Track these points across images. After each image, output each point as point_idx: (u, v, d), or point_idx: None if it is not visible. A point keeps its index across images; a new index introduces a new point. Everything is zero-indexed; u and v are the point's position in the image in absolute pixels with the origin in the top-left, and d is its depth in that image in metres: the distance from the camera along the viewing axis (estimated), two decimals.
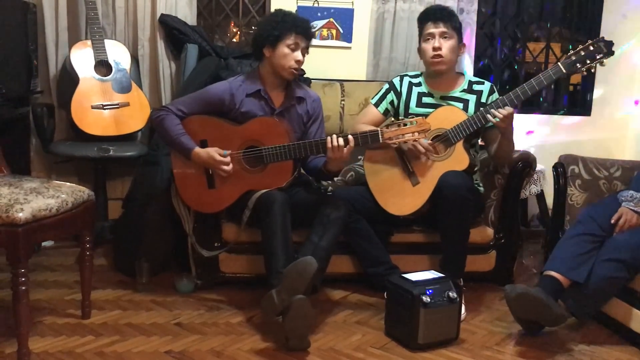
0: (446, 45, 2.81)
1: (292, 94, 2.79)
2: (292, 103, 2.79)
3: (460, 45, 2.88)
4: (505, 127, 2.69)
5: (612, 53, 2.64)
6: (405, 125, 2.47)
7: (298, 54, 2.67)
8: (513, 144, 2.85)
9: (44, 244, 3.36)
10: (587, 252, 2.53)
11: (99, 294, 2.78)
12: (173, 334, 2.46)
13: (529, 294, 2.44)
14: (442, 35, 2.81)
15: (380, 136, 2.49)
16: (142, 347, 2.34)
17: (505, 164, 2.99)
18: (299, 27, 2.67)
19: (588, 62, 2.65)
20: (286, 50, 2.65)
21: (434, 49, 2.81)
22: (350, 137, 2.53)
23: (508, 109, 2.65)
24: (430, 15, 2.86)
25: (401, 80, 2.97)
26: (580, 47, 2.67)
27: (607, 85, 4.16)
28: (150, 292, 2.85)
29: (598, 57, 2.64)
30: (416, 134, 2.45)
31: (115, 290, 2.87)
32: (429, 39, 2.83)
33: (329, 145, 2.53)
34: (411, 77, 2.99)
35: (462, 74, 2.97)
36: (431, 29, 2.83)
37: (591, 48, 2.64)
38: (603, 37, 2.67)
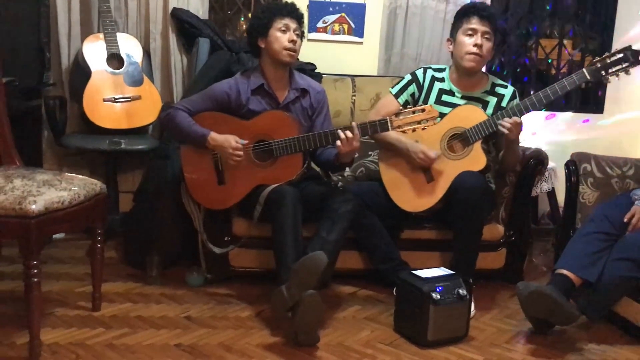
0: (486, 46, 2.76)
1: (294, 86, 2.80)
2: (296, 95, 2.79)
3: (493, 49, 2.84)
4: (513, 138, 2.67)
5: (638, 62, 2.58)
6: (414, 113, 2.46)
7: (291, 35, 2.68)
8: (518, 155, 2.85)
9: (55, 236, 3.37)
10: (600, 251, 2.51)
11: (109, 286, 2.79)
12: (183, 328, 2.47)
13: (542, 292, 2.42)
14: (484, 35, 2.75)
15: (389, 125, 2.48)
16: (151, 340, 2.35)
17: (508, 173, 2.97)
18: (284, 9, 2.71)
19: (613, 70, 2.60)
20: (278, 33, 2.68)
21: (476, 45, 2.74)
22: (354, 124, 2.54)
23: (515, 119, 2.62)
24: (478, 11, 2.78)
25: (424, 73, 2.92)
26: (607, 54, 2.62)
27: (619, 83, 4.12)
28: (161, 286, 2.86)
29: (624, 65, 2.59)
30: (424, 121, 2.44)
31: (126, 283, 2.88)
32: (470, 34, 2.76)
33: (338, 142, 2.53)
34: (435, 70, 2.93)
35: (486, 75, 2.92)
36: (476, 24, 2.75)
37: (618, 56, 2.60)
38: (630, 46, 2.61)
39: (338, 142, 2.53)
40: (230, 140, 2.63)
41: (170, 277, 2.95)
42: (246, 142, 2.64)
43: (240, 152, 2.62)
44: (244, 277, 2.92)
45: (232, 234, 2.84)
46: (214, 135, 2.65)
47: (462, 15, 2.82)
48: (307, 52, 3.08)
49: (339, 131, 2.53)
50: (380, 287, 2.92)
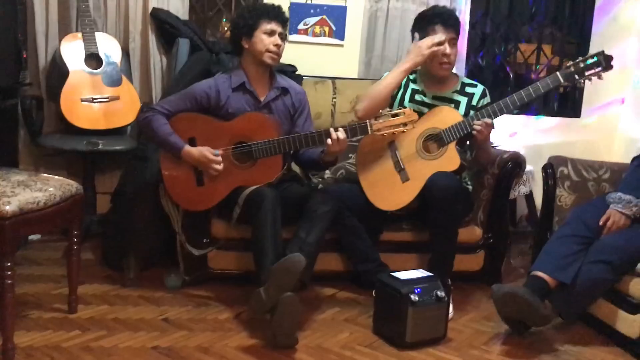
0: (453, 52, 2.79)
1: (275, 85, 2.81)
2: (276, 94, 2.80)
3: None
4: (482, 139, 2.70)
5: (610, 67, 2.61)
6: (393, 116, 2.47)
7: (276, 39, 2.69)
8: (490, 154, 2.91)
9: (31, 237, 3.33)
10: (575, 254, 2.54)
11: (86, 288, 2.76)
12: (160, 330, 2.45)
13: (515, 293, 2.45)
14: (451, 42, 2.77)
15: (369, 128, 2.50)
16: (128, 343, 2.33)
17: (484, 170, 3.02)
18: (271, 13, 2.71)
19: (586, 74, 2.62)
20: (263, 36, 2.68)
21: (445, 55, 2.76)
22: (341, 128, 2.55)
23: (486, 121, 2.65)
24: (442, 19, 2.77)
25: None
26: (580, 58, 2.65)
27: (596, 87, 4.18)
28: (138, 288, 2.83)
29: (596, 69, 2.61)
30: (404, 125, 2.46)
31: (103, 285, 2.85)
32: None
33: (329, 141, 2.53)
34: None
35: (456, 75, 2.96)
36: (442, 33, 2.75)
37: (591, 60, 2.62)
38: (603, 51, 2.63)
39: (329, 141, 2.54)
40: (206, 154, 2.62)
41: (148, 279, 2.92)
42: (220, 152, 2.64)
43: (219, 165, 2.62)
44: (223, 279, 2.90)
45: (211, 235, 2.83)
46: (188, 150, 2.65)
47: (426, 24, 2.80)
48: (288, 54, 3.08)
49: (331, 130, 2.54)
50: (359, 289, 2.93)
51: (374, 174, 2.86)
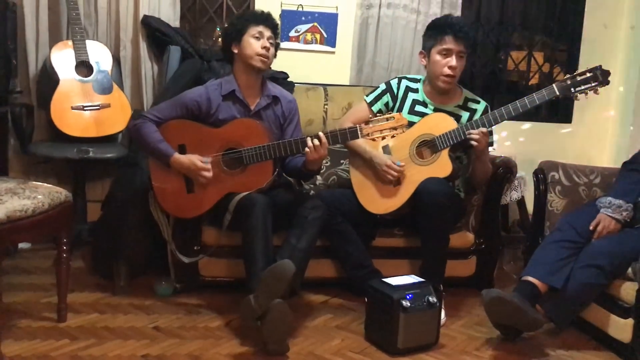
0: (460, 65, 2.76)
1: (266, 93, 2.81)
2: (267, 102, 2.79)
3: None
4: (481, 149, 2.70)
5: (607, 82, 2.62)
6: (384, 121, 2.48)
7: (264, 42, 2.70)
8: (488, 167, 2.87)
9: (21, 245, 3.31)
10: (565, 258, 2.54)
11: (76, 296, 2.74)
12: (150, 338, 2.43)
13: (503, 298, 2.45)
14: (459, 54, 2.75)
15: (359, 132, 2.50)
16: (118, 351, 2.31)
17: (480, 186, 2.99)
18: (258, 17, 2.74)
19: (582, 87, 2.63)
20: (251, 40, 2.70)
21: (451, 67, 2.74)
22: (321, 134, 2.55)
23: (482, 129, 2.65)
24: (453, 30, 2.72)
25: (399, 83, 2.94)
26: (577, 72, 2.65)
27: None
28: (129, 296, 2.81)
29: (593, 84, 2.62)
30: (394, 130, 2.46)
31: (93, 293, 2.83)
32: (445, 54, 2.74)
33: (307, 149, 2.53)
34: (409, 80, 2.94)
35: (460, 88, 2.94)
36: (451, 44, 2.72)
37: (587, 75, 2.63)
38: (600, 66, 2.64)
39: (307, 149, 2.53)
40: (195, 161, 2.61)
41: (139, 287, 2.90)
42: (210, 159, 2.63)
43: (208, 172, 2.61)
44: (214, 287, 2.89)
45: (202, 243, 2.82)
46: (177, 158, 2.64)
47: (437, 33, 2.76)
48: (280, 61, 3.08)
49: (308, 139, 2.54)
50: (351, 296, 2.91)
51: (366, 177, 2.86)
